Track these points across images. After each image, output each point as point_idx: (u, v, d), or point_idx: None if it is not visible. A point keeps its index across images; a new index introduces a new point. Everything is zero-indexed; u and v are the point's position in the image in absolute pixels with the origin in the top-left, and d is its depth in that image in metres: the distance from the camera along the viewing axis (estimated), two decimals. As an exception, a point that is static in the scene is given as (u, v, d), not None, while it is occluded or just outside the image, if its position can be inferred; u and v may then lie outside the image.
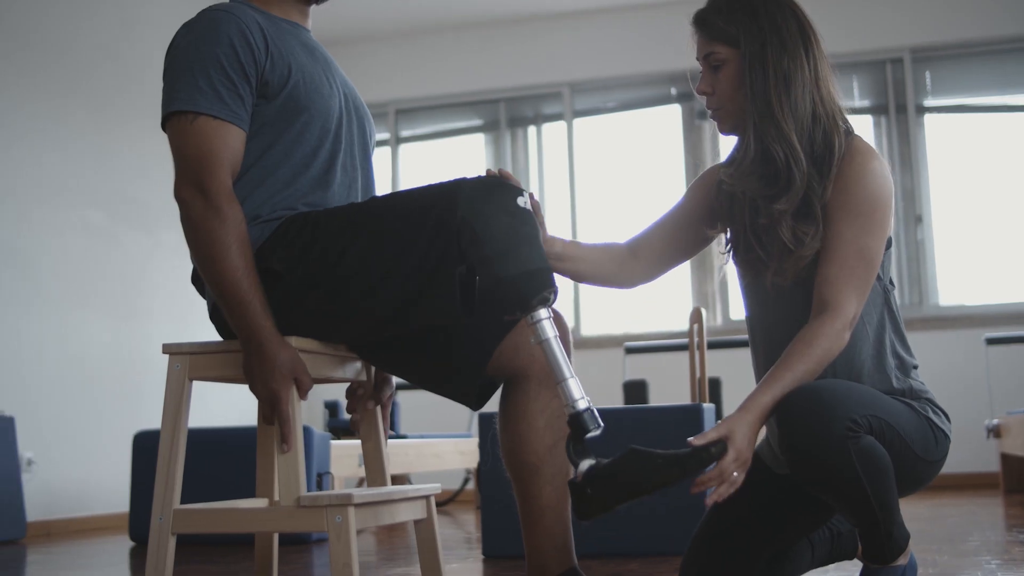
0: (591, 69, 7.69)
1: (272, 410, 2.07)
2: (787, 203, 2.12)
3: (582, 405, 1.92)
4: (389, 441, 4.96)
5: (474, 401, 2.24)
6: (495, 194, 2.02)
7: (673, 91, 7.68)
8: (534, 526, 2.18)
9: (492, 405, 2.31)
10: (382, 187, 8.04)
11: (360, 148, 2.33)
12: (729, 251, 2.30)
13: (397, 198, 2.13)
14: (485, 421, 3.85)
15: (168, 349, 2.18)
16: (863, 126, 7.49)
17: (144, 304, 6.08)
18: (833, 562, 2.42)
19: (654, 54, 7.59)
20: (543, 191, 7.93)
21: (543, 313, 1.96)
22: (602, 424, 1.92)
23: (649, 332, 7.28)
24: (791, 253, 2.13)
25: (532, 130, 8.06)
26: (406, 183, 8.18)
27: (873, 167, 2.13)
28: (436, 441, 6.07)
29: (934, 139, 7.30)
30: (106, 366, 5.71)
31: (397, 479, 6.44)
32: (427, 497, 2.38)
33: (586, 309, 7.67)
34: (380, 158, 8.29)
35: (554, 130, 7.98)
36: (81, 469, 5.32)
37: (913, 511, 4.83)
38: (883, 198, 2.12)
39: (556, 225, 7.80)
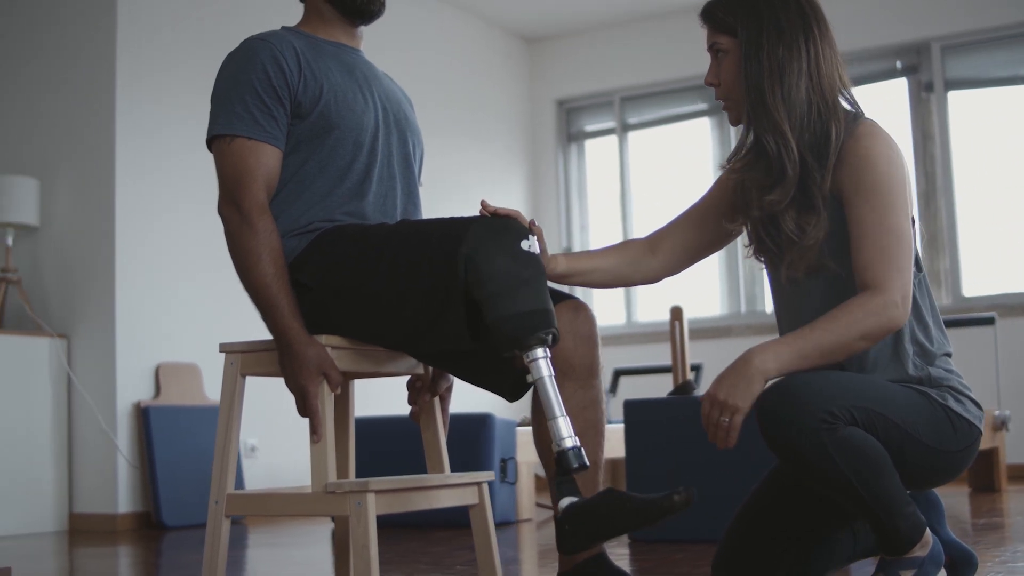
0: (813, 46, 7.50)
1: (303, 404, 2.25)
2: (779, 194, 2.12)
3: (568, 444, 2.01)
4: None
5: (509, 393, 2.34)
6: (500, 236, 2.13)
7: (899, 64, 7.41)
8: (561, 514, 2.27)
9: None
10: (611, 176, 8.16)
11: (400, 158, 2.48)
12: (751, 246, 2.30)
13: (417, 228, 2.26)
14: (629, 408, 3.93)
15: (224, 348, 2.40)
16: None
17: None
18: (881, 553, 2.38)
19: (879, 27, 7.35)
20: (768, 173, 7.82)
21: (539, 352, 2.05)
22: (587, 463, 2.00)
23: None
24: (795, 244, 2.13)
25: (757, 112, 7.95)
26: (634, 171, 8.26)
27: (879, 149, 2.10)
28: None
29: None
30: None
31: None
32: (478, 484, 2.50)
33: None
34: (607, 146, 8.41)
35: (778, 111, 7.84)
36: (298, 453, 5.70)
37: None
38: (895, 176, 2.09)
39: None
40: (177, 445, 5.33)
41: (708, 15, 2.24)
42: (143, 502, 5.34)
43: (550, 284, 2.32)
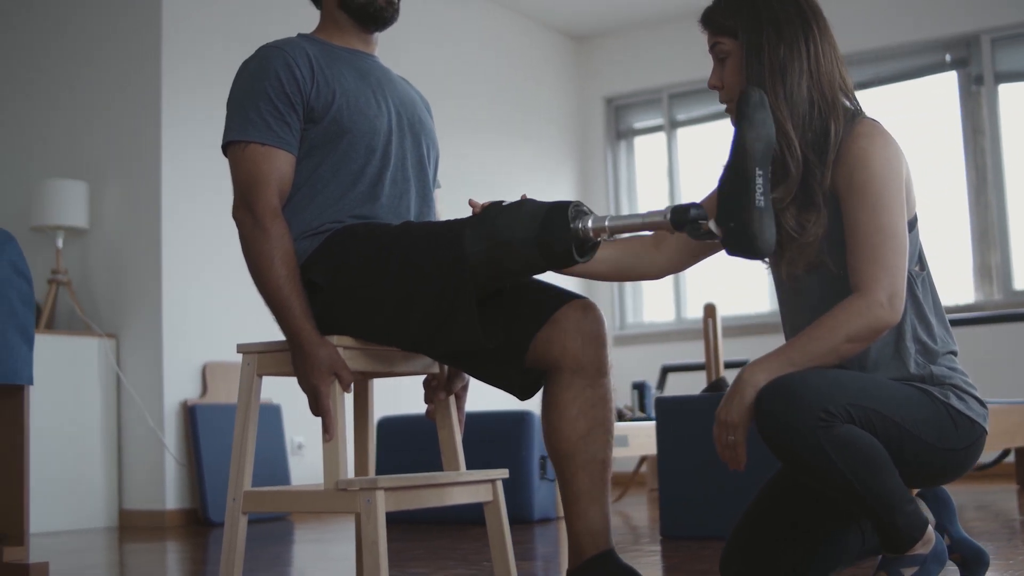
0: (862, 41, 7.45)
1: (315, 404, 2.30)
2: (782, 192, 2.14)
3: (667, 211, 2.03)
4: (643, 423, 5.11)
5: (519, 392, 2.38)
6: (487, 211, 2.20)
7: (948, 58, 7.34)
8: (571, 510, 2.30)
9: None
10: (658, 174, 8.16)
11: (414, 161, 2.52)
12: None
13: (427, 230, 2.30)
14: (660, 405, 3.95)
15: (241, 348, 2.46)
16: None
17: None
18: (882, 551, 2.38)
19: (928, 21, 7.29)
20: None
21: (589, 221, 2.09)
22: (694, 202, 2.01)
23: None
24: (795, 241, 2.15)
25: (805, 107, 7.90)
26: (684, 168, 8.26)
27: (874, 148, 2.11)
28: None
29: None
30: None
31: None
32: (492, 481, 2.53)
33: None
34: (656, 143, 8.42)
35: (827, 105, 7.79)
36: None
37: None
38: (889, 176, 2.10)
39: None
40: (223, 443, 5.42)
41: (708, 19, 2.27)
42: (190, 499, 5.44)
43: (556, 281, 2.36)
